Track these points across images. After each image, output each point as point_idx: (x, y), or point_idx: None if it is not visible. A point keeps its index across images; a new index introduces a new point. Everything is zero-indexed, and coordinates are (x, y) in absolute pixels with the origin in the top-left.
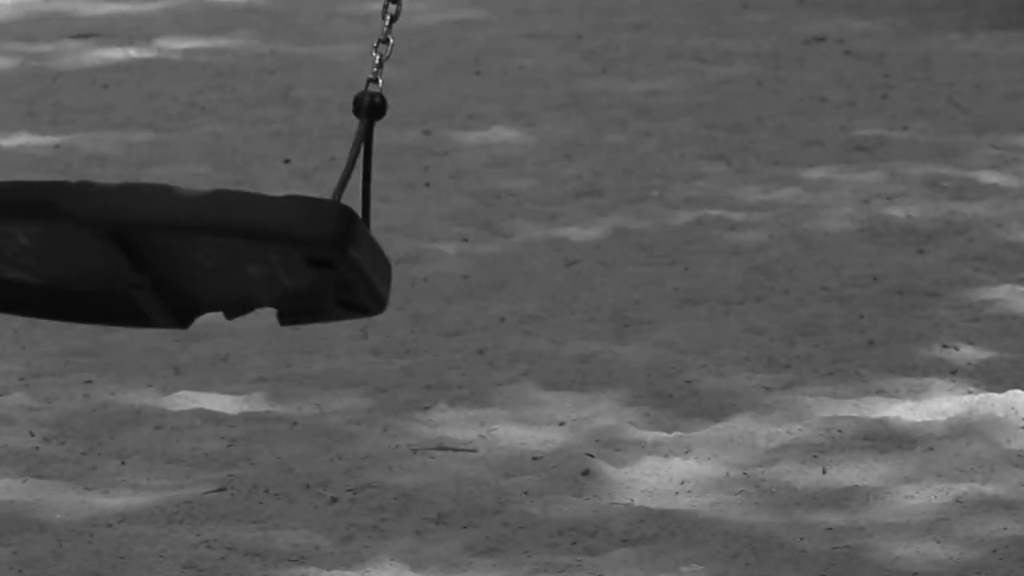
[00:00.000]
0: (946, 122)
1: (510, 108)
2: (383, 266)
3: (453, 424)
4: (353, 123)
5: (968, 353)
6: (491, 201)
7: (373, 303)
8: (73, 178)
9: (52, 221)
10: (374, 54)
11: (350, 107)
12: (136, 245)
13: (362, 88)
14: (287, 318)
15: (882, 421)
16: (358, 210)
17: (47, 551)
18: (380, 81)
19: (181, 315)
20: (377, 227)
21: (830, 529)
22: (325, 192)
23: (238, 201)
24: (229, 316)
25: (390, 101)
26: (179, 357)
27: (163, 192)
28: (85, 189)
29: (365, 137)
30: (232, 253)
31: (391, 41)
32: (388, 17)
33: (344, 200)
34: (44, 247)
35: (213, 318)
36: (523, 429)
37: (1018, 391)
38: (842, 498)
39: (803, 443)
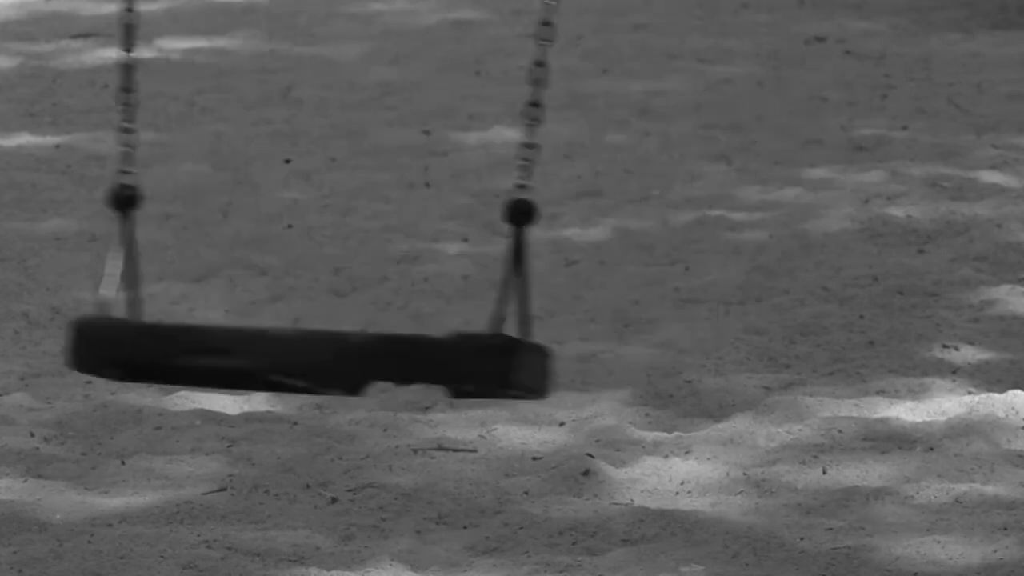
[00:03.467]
0: (946, 122)
1: (510, 108)
2: (545, 363)
3: (453, 424)
4: (353, 123)
5: (968, 353)
6: (491, 201)
7: (537, 393)
8: (74, 178)
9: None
10: (522, 161)
11: (350, 107)
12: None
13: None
14: (456, 395)
15: (882, 421)
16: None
17: (47, 551)
18: (529, 188)
19: (352, 390)
20: (377, 227)
21: (830, 529)
22: (326, 193)
23: (411, 350)
24: (398, 385)
25: (390, 101)
26: None
27: (338, 344)
28: (263, 344)
29: (518, 246)
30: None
31: (538, 146)
32: (531, 120)
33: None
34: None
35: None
36: (523, 429)
37: (1018, 391)
38: (842, 498)
39: (803, 443)
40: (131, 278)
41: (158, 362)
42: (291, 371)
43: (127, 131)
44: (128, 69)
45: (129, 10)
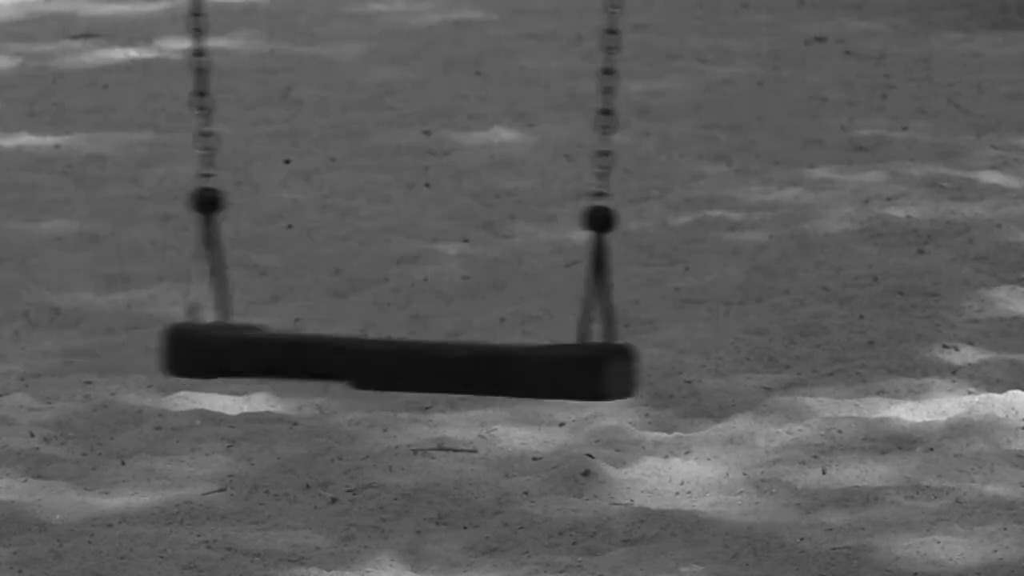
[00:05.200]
0: (946, 122)
1: (510, 108)
2: (631, 366)
3: (453, 424)
4: (353, 123)
5: (968, 353)
6: (491, 201)
7: (624, 396)
8: (74, 178)
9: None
10: (597, 168)
11: (350, 107)
12: None
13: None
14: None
15: (882, 421)
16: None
17: (47, 551)
18: (605, 195)
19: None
20: (377, 227)
21: (830, 529)
22: (326, 193)
23: (501, 368)
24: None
25: (390, 101)
26: None
27: (434, 364)
28: (363, 356)
29: (598, 253)
30: None
31: (611, 153)
32: (604, 128)
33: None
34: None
35: None
36: (523, 429)
37: (1018, 391)
38: (842, 498)
39: (803, 443)
40: (218, 280)
41: (252, 371)
42: (383, 387)
43: (206, 134)
44: (201, 73)
45: (197, 14)
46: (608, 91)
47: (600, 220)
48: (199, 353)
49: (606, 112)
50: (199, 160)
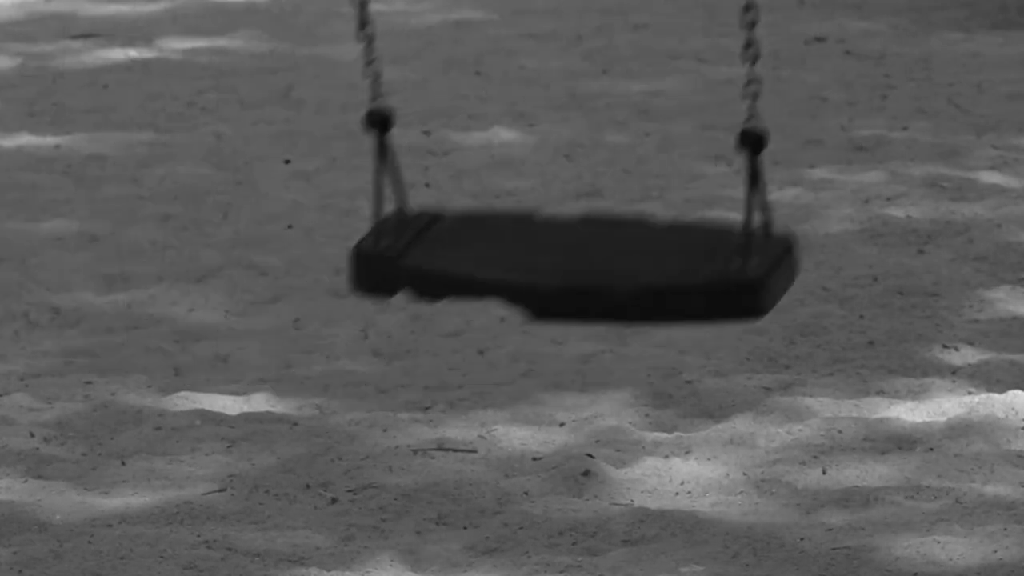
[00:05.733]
0: (946, 122)
1: (510, 108)
2: (791, 261)
3: (453, 424)
4: (353, 123)
5: (968, 353)
6: (491, 201)
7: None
8: (74, 178)
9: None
10: (746, 97)
11: (350, 107)
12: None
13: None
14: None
15: (882, 421)
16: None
17: (47, 551)
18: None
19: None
20: None
21: (830, 529)
22: (326, 193)
23: (674, 297)
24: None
25: (390, 101)
26: (179, 357)
27: (613, 290)
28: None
29: (753, 171)
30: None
31: (758, 81)
32: (751, 59)
33: None
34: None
35: None
36: (523, 429)
37: (1018, 391)
38: (842, 498)
39: (803, 444)
40: (397, 188)
41: (431, 296)
42: (555, 321)
43: (371, 62)
44: (363, 6)
45: None
46: (752, 25)
47: (754, 141)
48: (384, 275)
49: (749, 45)
50: (369, 85)
